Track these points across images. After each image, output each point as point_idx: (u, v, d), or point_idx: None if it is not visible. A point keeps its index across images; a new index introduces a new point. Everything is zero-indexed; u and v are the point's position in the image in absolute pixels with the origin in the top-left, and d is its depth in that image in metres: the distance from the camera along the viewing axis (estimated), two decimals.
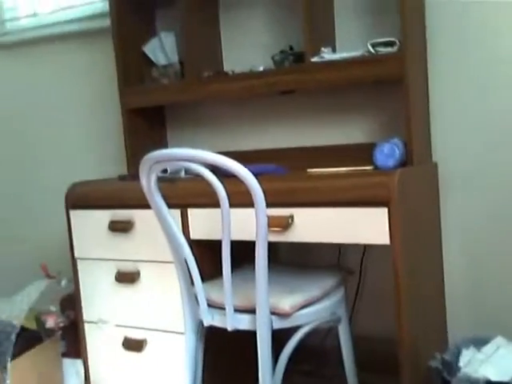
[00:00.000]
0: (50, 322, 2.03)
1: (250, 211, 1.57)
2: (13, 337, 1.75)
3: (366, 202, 1.46)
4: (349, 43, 1.89)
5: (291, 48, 1.93)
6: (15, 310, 1.84)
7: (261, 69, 1.91)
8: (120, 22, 2.13)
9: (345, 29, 1.92)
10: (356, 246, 1.91)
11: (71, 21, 2.51)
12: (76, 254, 2.01)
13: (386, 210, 1.43)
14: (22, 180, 2.82)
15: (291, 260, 2.10)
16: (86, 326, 2.02)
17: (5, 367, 1.76)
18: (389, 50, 1.66)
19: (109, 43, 2.33)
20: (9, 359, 1.79)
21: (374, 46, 1.68)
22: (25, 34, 2.65)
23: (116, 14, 2.12)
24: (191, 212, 1.75)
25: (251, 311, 1.45)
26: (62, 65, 2.60)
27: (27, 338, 1.89)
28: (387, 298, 1.83)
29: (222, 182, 1.34)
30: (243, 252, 1.57)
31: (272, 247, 1.46)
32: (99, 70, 2.49)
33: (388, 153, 1.57)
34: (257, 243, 1.36)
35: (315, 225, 1.54)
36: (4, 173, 2.88)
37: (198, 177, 1.38)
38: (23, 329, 1.88)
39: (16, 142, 2.82)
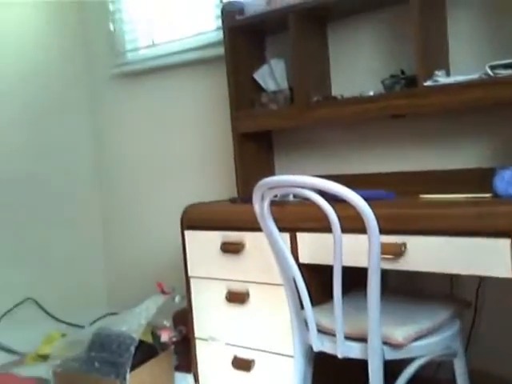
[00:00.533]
0: (164, 337, 2.14)
1: (360, 237, 1.57)
2: (132, 349, 1.86)
3: (486, 232, 1.40)
4: (463, 66, 1.84)
5: (402, 72, 1.91)
6: (134, 324, 1.96)
7: (371, 93, 1.90)
8: (233, 50, 2.23)
9: (459, 51, 1.87)
10: (470, 276, 1.83)
11: (186, 50, 2.66)
12: (189, 273, 2.11)
13: (508, 241, 1.37)
14: (140, 201, 3.02)
15: (400, 287, 2.05)
16: (198, 342, 2.10)
17: (124, 378, 1.88)
18: (510, 72, 1.59)
19: (221, 70, 2.45)
20: (128, 370, 1.90)
21: (492, 68, 1.62)
22: (144, 64, 2.84)
23: (229, 43, 2.22)
24: (300, 236, 1.78)
25: (362, 339, 1.43)
26: (177, 91, 2.76)
27: (144, 351, 2.00)
28: (507, 332, 1.73)
29: (332, 207, 1.35)
30: (351, 278, 1.57)
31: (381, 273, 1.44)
32: (212, 96, 2.61)
33: (509, 180, 1.49)
34: (369, 270, 1.35)
35: (429, 254, 1.50)
36: (123, 195, 3.09)
37: (307, 201, 1.40)
38: (140, 341, 1.99)
39: (133, 165, 3.02)
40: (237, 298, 1.95)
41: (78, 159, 3.16)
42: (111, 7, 2.96)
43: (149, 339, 2.15)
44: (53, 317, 2.98)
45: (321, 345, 1.53)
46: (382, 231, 1.38)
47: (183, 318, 2.24)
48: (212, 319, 2.05)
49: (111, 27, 2.97)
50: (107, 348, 1.97)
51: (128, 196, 3.08)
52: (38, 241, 2.97)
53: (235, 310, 1.97)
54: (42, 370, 2.37)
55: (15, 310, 2.84)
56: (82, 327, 3.01)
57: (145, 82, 2.89)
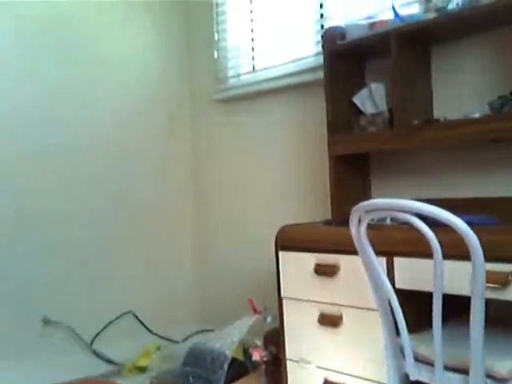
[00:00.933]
0: (256, 356, 2.16)
1: (461, 264, 1.51)
2: (225, 366, 1.90)
3: None
4: None
5: None
6: (227, 341, 1.99)
7: (476, 115, 1.84)
8: (332, 74, 2.25)
9: None
10: None
11: (285, 75, 2.72)
12: (282, 293, 2.12)
13: None
14: (235, 220, 3.09)
15: (501, 316, 1.93)
16: (289, 364, 2.09)
17: None
18: None
19: (318, 94, 2.48)
20: None
21: None
22: (244, 89, 2.94)
23: (328, 67, 2.25)
24: (397, 260, 1.73)
25: (462, 371, 1.37)
26: (275, 115, 2.82)
27: (236, 368, 2.03)
28: None
29: (433, 232, 1.31)
30: (449, 306, 1.50)
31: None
32: (308, 119, 2.65)
33: None
34: (473, 299, 1.29)
35: None
36: (218, 215, 3.19)
37: (405, 225, 1.37)
38: (233, 359, 2.02)
39: (229, 185, 3.11)
40: (329, 321, 1.93)
41: (175, 179, 3.30)
42: (216, 36, 3.11)
43: (240, 357, 2.18)
44: (149, 330, 3.10)
45: (418, 374, 1.47)
46: (487, 258, 1.31)
47: (274, 338, 2.25)
48: (303, 341, 2.04)
49: (215, 55, 3.12)
50: (201, 363, 2.01)
51: (223, 215, 3.17)
52: (139, 257, 3.12)
53: (328, 333, 1.95)
54: (140, 382, 2.46)
55: (116, 321, 2.99)
56: (175, 342, 3.11)
57: (245, 106, 2.99)
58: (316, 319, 1.98)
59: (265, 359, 2.19)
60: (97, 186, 2.96)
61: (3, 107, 2.64)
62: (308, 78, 2.60)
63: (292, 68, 2.69)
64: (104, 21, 3.02)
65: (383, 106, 2.16)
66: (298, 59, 2.68)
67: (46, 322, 2.75)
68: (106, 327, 2.95)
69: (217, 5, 3.11)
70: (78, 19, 2.91)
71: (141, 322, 3.08)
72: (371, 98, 2.19)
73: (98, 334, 2.91)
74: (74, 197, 2.87)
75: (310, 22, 2.64)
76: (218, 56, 3.12)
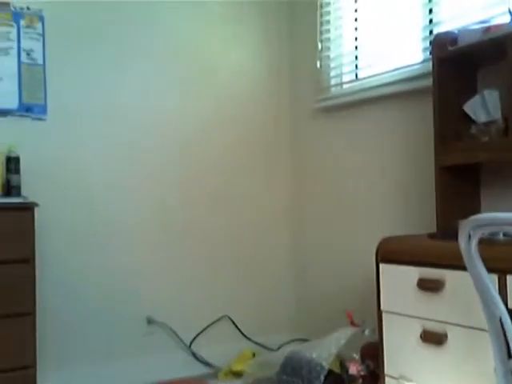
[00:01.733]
0: (353, 369, 2.11)
1: None
2: (322, 377, 1.87)
3: None
4: None
5: None
6: (324, 352, 1.96)
7: None
8: (441, 81, 2.16)
9: None
10: None
11: (389, 83, 2.66)
12: (382, 307, 2.05)
13: None
14: (334, 230, 3.05)
15: None
16: (387, 380, 2.02)
17: None
18: None
19: (424, 102, 2.39)
20: None
21: None
22: (347, 98, 2.91)
23: (438, 74, 2.16)
24: (511, 278, 1.62)
25: None
26: (378, 124, 2.76)
27: (332, 381, 2.00)
28: None
29: None
30: None
31: None
32: (413, 128, 2.56)
33: None
34: None
35: None
36: (317, 224, 3.16)
37: None
38: (329, 371, 1.99)
39: (329, 194, 3.07)
40: (433, 338, 1.84)
41: (275, 186, 3.33)
42: (320, 46, 3.11)
43: (336, 369, 2.14)
44: (244, 335, 3.13)
45: None
46: None
47: (371, 353, 2.18)
48: (404, 357, 1.96)
49: (318, 64, 3.12)
50: (298, 373, 2.00)
51: (322, 225, 3.14)
52: (238, 264, 3.17)
53: (430, 350, 1.86)
54: None
55: (213, 325, 3.06)
56: (270, 349, 3.12)
57: (347, 115, 2.95)
58: (418, 336, 1.89)
59: (362, 373, 2.14)
60: (199, 196, 3.06)
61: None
62: (414, 85, 2.52)
63: (397, 76, 2.62)
64: (212, 35, 3.12)
65: (497, 114, 2.04)
66: (404, 67, 2.60)
67: (150, 321, 2.87)
68: (204, 330, 3.02)
69: (321, 15, 3.11)
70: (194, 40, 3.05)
71: (236, 326, 3.13)
72: (484, 106, 2.08)
73: (197, 336, 2.99)
74: (181, 207, 2.99)
75: (416, 29, 2.56)
76: (321, 65, 3.11)
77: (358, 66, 2.92)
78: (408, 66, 2.58)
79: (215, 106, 3.12)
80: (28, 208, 2.19)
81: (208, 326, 3.04)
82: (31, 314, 2.18)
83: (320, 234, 3.16)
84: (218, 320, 3.08)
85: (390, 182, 2.71)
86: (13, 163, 2.35)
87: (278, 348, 3.12)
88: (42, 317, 2.27)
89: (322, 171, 3.14)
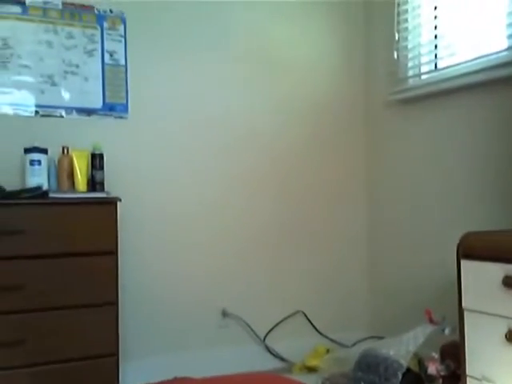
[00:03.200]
0: (432, 369, 2.04)
1: None
2: (399, 374, 1.83)
3: None
4: None
5: None
6: (402, 350, 1.92)
7: None
8: None
9: None
10: None
11: (470, 73, 2.55)
12: (464, 305, 1.97)
13: None
14: (411, 225, 2.97)
15: None
16: (469, 381, 1.94)
17: None
18: None
19: (510, 91, 2.27)
20: None
21: None
22: (425, 89, 2.81)
23: None
24: None
25: None
26: (459, 115, 2.65)
27: (410, 379, 1.95)
28: None
29: None
30: None
31: None
32: (497, 119, 2.44)
33: None
34: None
35: None
36: (393, 217, 3.09)
37: None
38: (407, 369, 1.94)
39: (406, 188, 2.99)
40: None
41: (349, 182, 3.29)
42: (397, 36, 3.03)
43: (414, 368, 2.08)
44: (318, 331, 3.12)
45: None
46: None
47: (452, 352, 2.11)
48: (487, 358, 1.87)
49: (395, 55, 3.04)
50: (374, 370, 1.97)
51: (398, 219, 3.06)
52: (312, 259, 3.16)
53: None
54: (310, 380, 2.49)
55: (286, 320, 3.07)
56: (344, 346, 3.09)
57: (425, 107, 2.86)
58: (503, 335, 1.80)
59: (442, 373, 2.06)
60: (271, 191, 3.07)
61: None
62: (498, 74, 2.39)
63: (480, 65, 2.50)
64: (285, 25, 3.12)
65: None
66: (487, 55, 2.48)
67: (225, 314, 2.93)
68: (277, 324, 3.04)
69: (398, 4, 3.03)
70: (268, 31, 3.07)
71: (310, 322, 3.12)
72: None
73: (271, 330, 3.02)
74: (255, 202, 3.02)
75: (500, 15, 2.44)
76: (398, 56, 3.03)
77: (438, 56, 2.82)
78: (492, 54, 2.46)
79: (290, 100, 3.12)
80: (111, 202, 2.29)
81: (282, 321, 3.05)
82: (114, 303, 2.28)
83: (396, 228, 3.08)
84: (292, 315, 3.09)
85: (472, 175, 2.60)
86: (97, 160, 2.46)
87: (353, 345, 3.08)
88: (123, 307, 2.36)
89: (398, 164, 3.07)
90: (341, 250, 3.24)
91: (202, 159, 2.88)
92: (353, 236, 3.29)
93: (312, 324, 3.12)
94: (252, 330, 2.97)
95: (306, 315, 3.12)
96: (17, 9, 2.52)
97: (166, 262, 2.80)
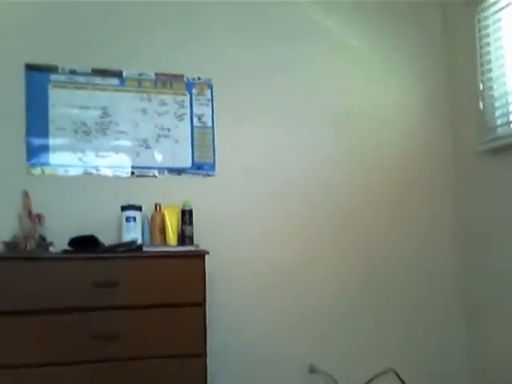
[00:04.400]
0: None
1: None
2: None
3: None
4: None
5: None
6: None
7: None
8: None
9: None
10: None
11: None
12: None
13: None
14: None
15: None
16: None
17: None
18: None
19: None
20: None
21: None
22: None
23: None
24: None
25: None
26: None
27: None
28: None
29: None
30: None
31: None
32: None
33: None
34: None
35: None
36: (490, 270, 2.94)
37: None
38: None
39: (499, 243, 2.86)
40: None
41: (439, 235, 3.19)
42: (481, 86, 2.99)
43: None
44: None
45: None
46: None
47: None
48: None
49: (480, 105, 2.99)
50: None
51: (496, 274, 2.90)
52: (402, 313, 3.06)
53: None
54: None
55: (377, 378, 2.96)
56: None
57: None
58: None
59: None
60: (361, 246, 3.05)
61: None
62: None
63: None
64: (365, 74, 3.18)
65: None
66: None
67: (313, 370, 2.88)
68: (368, 382, 2.93)
69: (481, 55, 3.01)
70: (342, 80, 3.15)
71: (402, 380, 2.98)
72: None
73: None
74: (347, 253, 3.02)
75: None
76: (484, 106, 2.98)
77: None
78: None
79: (372, 153, 3.13)
80: (200, 255, 2.39)
81: (372, 379, 2.94)
82: (202, 355, 2.33)
83: (496, 282, 2.92)
84: (383, 373, 2.97)
85: None
86: (187, 215, 2.60)
87: None
88: (210, 359, 2.40)
89: (491, 215, 2.94)
90: (435, 305, 3.11)
91: (286, 215, 2.94)
92: (448, 291, 3.14)
93: (404, 382, 2.98)
94: None
95: (397, 374, 2.98)
96: (115, 81, 2.79)
97: (252, 314, 2.83)
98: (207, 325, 2.35)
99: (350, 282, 3.00)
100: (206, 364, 2.32)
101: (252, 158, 2.93)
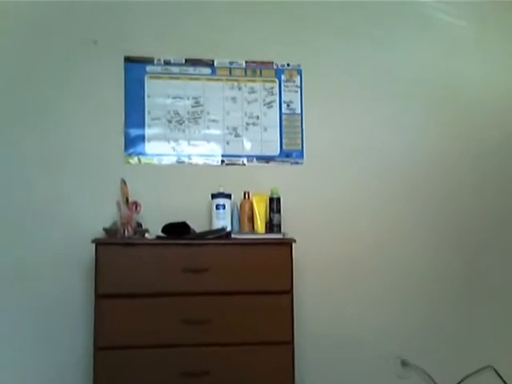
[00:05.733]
0: None
1: None
2: None
3: None
4: None
5: None
6: None
7: None
8: None
9: None
10: None
11: None
12: None
13: None
14: None
15: None
16: None
17: None
18: None
19: None
20: None
21: None
22: None
23: None
24: None
25: None
26: None
27: None
28: None
29: None
30: None
31: None
32: None
33: None
34: None
35: None
36: None
37: None
38: None
39: None
40: None
41: None
42: None
43: None
44: None
45: None
46: None
47: None
48: None
49: None
50: None
51: None
52: (502, 306, 2.89)
53: None
54: None
55: (474, 375, 2.82)
56: None
57: None
58: None
59: None
60: (466, 242, 2.91)
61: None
62: None
63: None
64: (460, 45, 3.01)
65: None
66: None
67: (405, 364, 2.80)
68: (464, 379, 2.81)
69: None
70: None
71: (503, 379, 2.82)
72: None
73: None
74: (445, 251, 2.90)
75: None
76: None
77: None
78: None
79: (479, 143, 2.96)
80: (287, 243, 2.39)
81: (469, 376, 2.81)
82: (290, 343, 2.34)
83: None
84: (481, 370, 2.82)
85: None
86: (275, 203, 2.60)
87: None
88: (298, 347, 2.41)
89: None
90: None
91: (376, 203, 2.87)
92: None
93: (504, 382, 2.81)
94: (435, 383, 2.78)
95: (496, 371, 2.82)
96: (207, 70, 2.84)
97: (341, 304, 2.80)
98: (294, 313, 2.35)
99: (446, 276, 2.86)
100: (293, 352, 2.33)
101: (341, 145, 2.88)
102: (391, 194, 2.88)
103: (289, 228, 2.63)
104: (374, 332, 2.80)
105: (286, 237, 2.51)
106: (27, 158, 2.64)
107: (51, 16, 2.71)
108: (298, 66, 2.89)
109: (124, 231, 2.46)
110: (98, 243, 2.30)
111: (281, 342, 2.34)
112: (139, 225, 2.56)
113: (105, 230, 2.49)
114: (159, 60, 2.80)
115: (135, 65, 2.77)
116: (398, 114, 2.94)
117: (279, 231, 2.57)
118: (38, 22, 2.70)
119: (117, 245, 2.34)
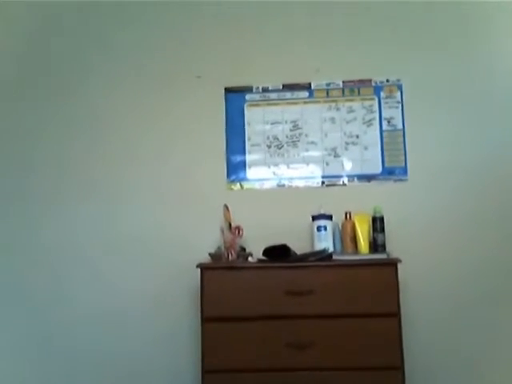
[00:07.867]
0: None
1: None
2: None
3: None
4: None
5: None
6: None
7: None
8: None
9: None
10: None
11: None
12: None
13: None
14: None
15: None
16: None
17: None
18: None
19: None
20: None
21: None
22: None
23: None
24: None
25: None
26: None
27: None
28: None
29: None
30: None
31: None
32: None
33: None
34: None
35: None
36: None
37: None
38: None
39: None
40: None
41: None
42: None
43: None
44: None
45: None
46: None
47: None
48: None
49: None
50: None
51: None
52: None
53: None
54: None
55: None
56: None
57: None
58: None
59: None
60: None
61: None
62: None
63: None
64: None
65: None
66: None
67: None
68: None
69: None
70: None
71: None
72: None
73: None
74: None
75: None
76: None
77: None
78: None
79: None
80: (391, 264, 2.30)
81: None
82: (399, 368, 2.23)
83: None
84: None
85: None
86: (378, 223, 2.53)
87: None
88: (408, 374, 2.28)
89: None
90: None
91: (485, 221, 2.67)
92: None
93: None
94: None
95: None
96: (304, 94, 2.86)
97: (452, 328, 2.61)
98: (403, 338, 2.24)
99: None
100: (404, 378, 2.22)
101: (446, 160, 2.73)
102: (502, 211, 2.66)
103: (394, 247, 2.53)
104: (487, 362, 2.56)
105: (391, 257, 2.41)
106: (142, 190, 2.82)
107: (161, 55, 2.91)
108: (398, 80, 2.81)
109: (228, 255, 2.52)
110: (202, 268, 2.38)
111: (389, 368, 2.24)
112: (243, 249, 2.61)
113: (210, 254, 2.57)
114: (257, 88, 2.87)
115: (235, 94, 2.87)
116: (506, 128, 2.73)
117: (384, 251, 2.48)
118: (152, 62, 2.91)
119: (221, 269, 2.40)
